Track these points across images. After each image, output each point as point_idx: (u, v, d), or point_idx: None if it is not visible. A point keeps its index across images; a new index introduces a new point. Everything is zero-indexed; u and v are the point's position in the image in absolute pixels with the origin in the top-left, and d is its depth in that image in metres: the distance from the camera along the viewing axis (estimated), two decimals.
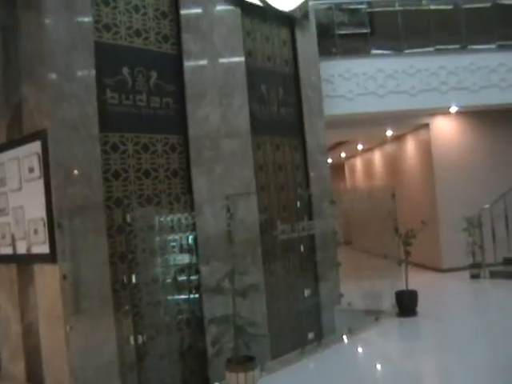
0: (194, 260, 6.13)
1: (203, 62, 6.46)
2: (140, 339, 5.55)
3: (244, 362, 5.47)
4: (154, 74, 6.00)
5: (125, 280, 5.48)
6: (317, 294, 7.72)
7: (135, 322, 5.55)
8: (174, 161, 6.13)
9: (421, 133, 13.78)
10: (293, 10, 7.73)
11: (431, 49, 11.85)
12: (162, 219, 5.92)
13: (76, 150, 5.19)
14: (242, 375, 5.35)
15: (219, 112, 6.53)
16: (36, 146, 5.26)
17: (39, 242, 5.31)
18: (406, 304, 8.93)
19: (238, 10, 6.90)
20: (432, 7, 12.12)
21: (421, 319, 8.73)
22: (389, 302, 9.11)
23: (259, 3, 7.25)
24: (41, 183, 5.22)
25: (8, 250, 5.91)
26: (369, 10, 12.01)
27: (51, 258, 5.13)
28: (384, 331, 8.41)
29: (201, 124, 6.31)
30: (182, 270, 6.08)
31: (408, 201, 13.89)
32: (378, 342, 8.13)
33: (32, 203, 5.40)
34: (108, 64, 5.62)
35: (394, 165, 16.24)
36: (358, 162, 20.71)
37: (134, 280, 5.53)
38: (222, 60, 6.65)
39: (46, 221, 5.19)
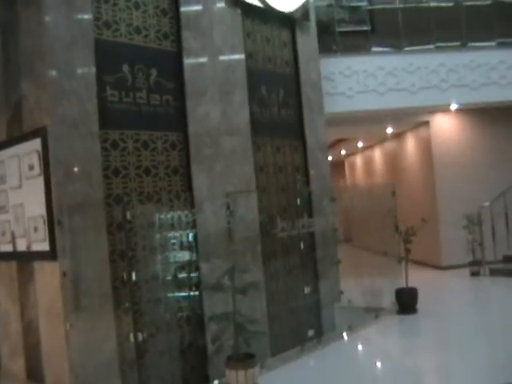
0: (194, 257, 6.13)
1: (203, 60, 6.45)
2: (140, 337, 5.55)
3: (244, 359, 5.47)
4: (154, 72, 5.99)
5: (125, 277, 5.48)
6: (317, 291, 7.73)
7: (135, 319, 5.56)
8: (174, 158, 6.13)
9: (421, 130, 13.77)
10: (293, 11, 7.72)
11: (431, 46, 11.84)
12: (162, 216, 5.92)
13: (76, 147, 5.19)
14: (241, 372, 5.35)
15: (219, 109, 6.52)
16: (36, 144, 5.26)
17: (39, 240, 5.32)
18: (406, 301, 8.94)
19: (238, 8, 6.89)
20: (432, 4, 12.11)
21: (421, 316, 8.74)
22: (389, 300, 9.12)
23: (259, 4, 7.24)
24: (41, 181, 5.22)
25: (8, 248, 5.91)
26: (369, 7, 12.00)
27: (51, 255, 5.13)
28: (384, 328, 8.42)
29: (201, 121, 6.31)
30: (182, 267, 6.07)
31: (408, 198, 13.89)
32: (378, 339, 8.13)
33: (32, 201, 5.40)
34: (108, 61, 5.61)
35: (394, 162, 16.23)
36: (358, 160, 20.71)
37: (134, 277, 5.53)
38: (222, 57, 6.65)
39: (45, 218, 5.19)
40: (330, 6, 11.63)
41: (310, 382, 6.15)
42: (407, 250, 8.96)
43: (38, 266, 5.48)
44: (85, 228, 5.16)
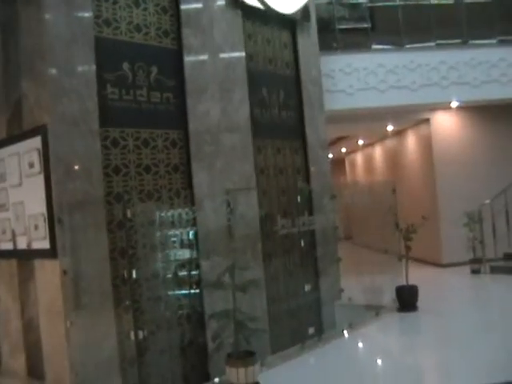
0: (195, 255, 6.13)
1: (203, 57, 6.45)
2: (140, 334, 5.56)
3: (244, 356, 5.48)
4: (154, 69, 5.99)
5: (125, 275, 5.49)
6: (317, 289, 7.73)
7: (135, 317, 5.56)
8: (175, 156, 6.13)
9: (421, 128, 13.76)
10: (294, 13, 7.70)
11: (432, 44, 11.81)
12: (162, 214, 5.92)
13: (76, 145, 5.19)
14: (242, 370, 5.36)
15: (219, 107, 6.52)
16: (36, 142, 5.26)
17: (39, 238, 5.32)
18: (407, 299, 8.94)
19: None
20: (433, 2, 12.09)
21: (421, 314, 8.74)
22: (389, 297, 9.12)
23: (260, 6, 7.23)
24: (41, 179, 5.22)
25: (8, 246, 5.92)
26: (369, 4, 11.97)
27: (51, 253, 5.13)
28: (384, 326, 8.42)
29: (201, 119, 6.31)
30: (182, 265, 6.08)
31: (408, 196, 13.89)
32: (379, 336, 8.13)
33: (32, 199, 5.40)
34: (108, 59, 5.61)
35: (394, 160, 16.22)
36: (359, 157, 20.69)
37: (134, 275, 5.53)
38: (222, 55, 6.64)
39: (46, 216, 5.19)
40: (330, 3, 11.61)
41: (311, 380, 6.15)
42: (408, 248, 8.96)
43: (38, 264, 5.49)
44: (85, 226, 5.16)
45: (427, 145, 13.47)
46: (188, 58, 6.27)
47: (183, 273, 6.07)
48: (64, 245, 5.05)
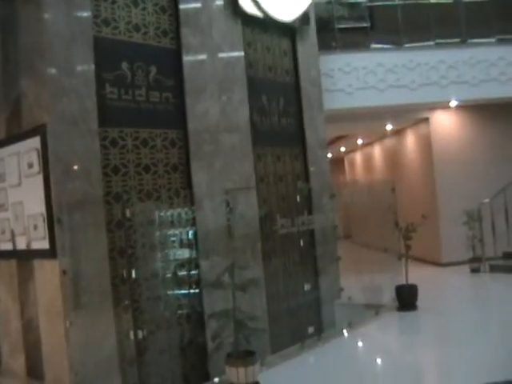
0: (194, 255, 6.13)
1: (202, 57, 6.45)
2: (140, 334, 5.56)
3: (244, 356, 5.47)
4: (153, 69, 5.99)
5: (124, 275, 5.49)
6: (317, 288, 7.73)
7: (135, 316, 5.56)
8: (174, 155, 6.13)
9: (421, 127, 13.77)
10: (293, 21, 7.69)
11: (431, 43, 11.81)
12: (161, 214, 5.92)
13: (75, 144, 5.19)
14: (242, 370, 5.35)
15: (219, 106, 6.52)
16: (35, 142, 5.26)
17: (39, 238, 5.31)
18: (406, 298, 8.94)
19: (238, 5, 6.87)
20: (432, 1, 12.09)
21: (421, 313, 8.74)
22: (389, 296, 9.12)
23: (260, 14, 7.22)
24: (40, 179, 5.22)
25: (8, 246, 5.91)
26: (369, 3, 11.97)
27: (51, 253, 5.13)
28: (384, 325, 8.42)
29: (200, 118, 6.30)
30: (181, 264, 6.08)
31: (408, 195, 13.89)
32: (378, 336, 8.13)
33: (31, 199, 5.40)
34: (107, 59, 5.61)
35: (393, 159, 16.23)
36: (358, 157, 20.70)
37: (133, 275, 5.53)
38: (221, 54, 6.64)
39: (45, 216, 5.19)
40: (329, 2, 11.61)
41: (311, 379, 6.15)
42: (407, 247, 8.96)
43: (37, 264, 5.48)
44: (84, 226, 5.16)
45: (426, 144, 13.47)
46: (187, 58, 6.27)
47: (183, 272, 6.07)
48: (63, 245, 5.05)
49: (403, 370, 6.32)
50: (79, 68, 5.30)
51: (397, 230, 9.09)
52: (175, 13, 6.26)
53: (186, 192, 6.15)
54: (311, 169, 7.85)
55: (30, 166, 5.39)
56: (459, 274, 11.83)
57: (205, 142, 6.31)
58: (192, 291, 6.13)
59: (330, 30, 11.46)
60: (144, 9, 6.00)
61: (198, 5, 6.49)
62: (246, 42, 7.11)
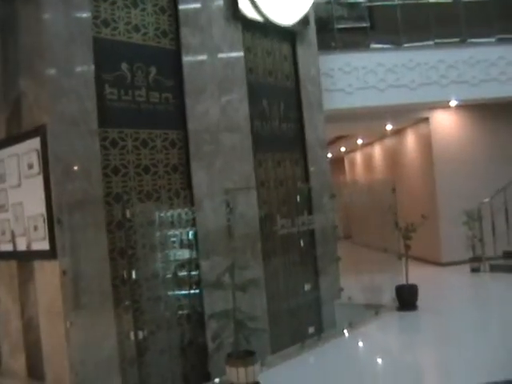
0: (194, 255, 6.13)
1: (202, 57, 6.45)
2: (140, 334, 5.56)
3: (244, 356, 5.47)
4: (153, 70, 5.99)
5: (125, 275, 5.49)
6: (317, 288, 7.74)
7: (135, 317, 5.56)
8: (174, 156, 6.13)
9: (421, 127, 13.77)
10: (293, 25, 7.69)
11: (431, 42, 11.81)
12: (161, 214, 5.92)
13: (75, 145, 5.19)
14: (242, 370, 5.35)
15: (219, 106, 6.52)
16: (35, 143, 5.26)
17: (39, 239, 5.32)
18: (406, 298, 8.94)
19: (237, 4, 6.87)
20: (431, 1, 12.09)
21: (421, 313, 8.74)
22: (389, 296, 9.12)
23: (260, 19, 7.21)
24: (40, 179, 5.22)
25: (8, 247, 5.91)
26: (368, 3, 11.97)
27: (51, 254, 5.13)
28: (384, 325, 8.42)
29: (200, 119, 6.31)
30: (182, 265, 6.08)
31: (408, 195, 13.89)
32: (378, 336, 8.14)
33: (31, 199, 5.40)
34: (107, 59, 5.61)
35: (393, 159, 16.22)
36: (358, 156, 20.69)
37: (134, 275, 5.53)
38: (220, 55, 6.64)
39: (45, 217, 5.19)
40: (329, 2, 11.61)
41: (311, 379, 6.15)
42: (407, 247, 8.96)
43: (37, 264, 5.48)
44: (84, 226, 5.17)
45: (426, 143, 13.47)
46: (186, 58, 6.27)
47: (183, 273, 6.08)
48: (63, 245, 5.05)
49: (403, 370, 6.33)
50: (79, 69, 5.30)
51: (397, 230, 9.10)
52: (175, 13, 6.26)
53: (185, 192, 6.16)
54: (311, 169, 7.85)
55: (30, 166, 5.39)
56: (459, 274, 11.83)
57: (205, 143, 6.31)
58: (192, 291, 6.13)
59: (330, 30, 11.47)
60: (143, 9, 6.00)
61: (198, 5, 6.49)
62: (246, 47, 7.11)
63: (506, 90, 11.65)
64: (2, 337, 6.31)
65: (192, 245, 6.14)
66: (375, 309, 8.79)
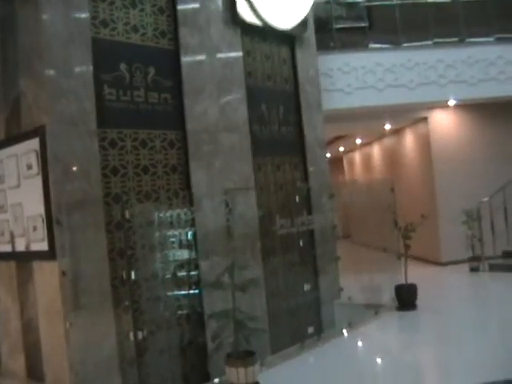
0: (194, 255, 6.13)
1: (201, 57, 6.45)
2: (140, 335, 5.56)
3: (244, 356, 5.47)
4: (151, 70, 5.99)
5: (124, 276, 5.48)
6: (316, 288, 7.73)
7: (135, 317, 5.56)
8: (173, 156, 6.13)
9: (419, 126, 13.77)
10: (292, 28, 7.67)
11: (429, 42, 11.82)
12: (160, 215, 5.92)
13: (74, 145, 5.19)
14: (242, 370, 5.35)
15: (217, 106, 6.52)
16: (34, 143, 5.26)
17: (38, 239, 5.31)
18: (406, 298, 8.94)
19: (235, 4, 6.87)
20: (430, 0, 12.10)
21: (420, 313, 8.74)
22: (388, 296, 9.13)
23: (258, 23, 7.20)
24: (39, 180, 5.21)
25: (7, 248, 5.90)
26: (367, 3, 11.98)
27: (50, 255, 5.13)
28: (384, 325, 8.43)
29: (199, 119, 6.30)
30: (181, 265, 6.08)
31: (407, 194, 13.90)
32: (378, 335, 8.14)
33: (30, 200, 5.40)
34: (105, 60, 5.60)
35: (392, 158, 16.23)
36: (357, 156, 20.71)
37: (133, 276, 5.53)
38: (219, 55, 6.64)
39: (44, 217, 5.19)
40: (327, 2, 11.61)
41: (310, 379, 6.15)
42: (406, 246, 8.96)
43: (37, 265, 5.48)
44: (84, 226, 5.16)
45: (425, 143, 13.48)
46: (185, 59, 6.27)
47: (182, 273, 6.07)
48: (63, 246, 5.05)
49: (403, 370, 6.32)
50: (77, 69, 5.30)
51: (396, 230, 9.10)
52: (173, 13, 6.26)
53: (184, 193, 6.15)
54: (310, 169, 7.85)
55: (29, 167, 5.39)
56: (459, 273, 11.83)
57: (204, 143, 6.31)
58: (192, 292, 6.13)
59: (329, 30, 11.47)
60: (142, 10, 6.00)
61: (196, 5, 6.49)
62: (246, 51, 7.11)
63: (505, 90, 11.66)
64: (1, 337, 6.30)
65: (191, 245, 6.14)
66: (375, 308, 8.79)
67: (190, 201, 6.16)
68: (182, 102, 6.20)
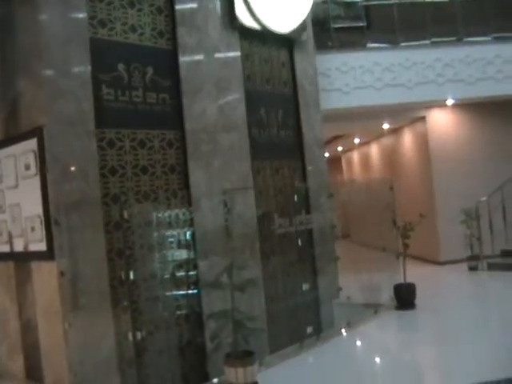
0: (192, 255, 6.12)
1: (199, 57, 6.44)
2: (139, 335, 5.55)
3: (243, 356, 5.47)
4: (149, 70, 5.98)
5: (123, 276, 5.48)
6: (315, 287, 7.73)
7: (134, 317, 5.55)
8: (171, 156, 6.12)
9: (417, 125, 13.78)
10: (291, 32, 7.65)
11: (427, 41, 11.83)
12: (159, 215, 5.92)
13: (72, 145, 5.18)
14: (240, 370, 5.35)
15: (216, 106, 6.52)
16: (32, 144, 5.25)
17: (36, 240, 5.30)
18: (405, 297, 8.94)
19: (233, 4, 6.86)
20: (427, 0, 12.10)
21: (419, 312, 8.75)
22: (387, 295, 9.13)
23: (257, 27, 7.19)
24: (37, 180, 5.20)
25: (5, 248, 5.89)
26: (365, 3, 11.98)
27: (48, 255, 5.12)
28: (383, 324, 8.43)
29: (197, 118, 6.30)
30: (180, 265, 6.07)
31: (406, 193, 13.90)
32: (377, 335, 8.14)
33: (29, 200, 5.39)
34: (104, 60, 5.59)
35: (391, 158, 16.24)
36: (355, 156, 20.71)
37: (131, 276, 5.52)
38: (217, 55, 6.64)
39: (42, 218, 5.18)
40: (325, 2, 11.61)
41: (309, 379, 6.15)
42: (405, 246, 8.96)
43: (35, 266, 5.47)
44: (82, 227, 5.16)
45: (423, 142, 13.49)
46: (183, 58, 6.26)
47: (181, 273, 6.07)
48: (61, 246, 5.04)
49: (402, 369, 6.33)
50: (76, 69, 5.30)
51: (395, 229, 9.10)
52: (171, 13, 6.25)
53: (183, 192, 6.15)
54: (309, 168, 7.85)
55: (27, 167, 5.38)
56: (457, 273, 11.84)
57: (202, 142, 6.31)
58: (190, 292, 6.13)
59: (327, 30, 11.47)
60: (140, 10, 5.99)
61: (194, 5, 6.48)
62: (244, 54, 7.10)
63: (503, 89, 11.67)
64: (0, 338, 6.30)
65: (190, 245, 6.14)
66: (374, 308, 8.80)
67: (188, 201, 6.15)
68: (180, 102, 6.20)
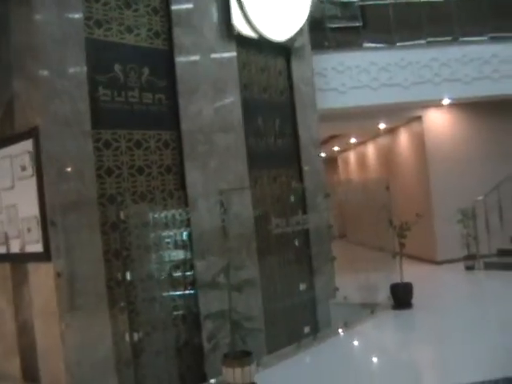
0: (189, 255, 6.12)
1: (195, 57, 6.44)
2: (136, 335, 5.54)
3: (240, 356, 5.47)
4: (145, 70, 5.98)
5: (119, 276, 5.47)
6: (312, 287, 7.73)
7: (131, 318, 5.55)
8: (168, 157, 6.12)
9: (414, 125, 13.79)
10: (288, 40, 7.64)
11: (423, 41, 11.83)
12: (155, 215, 5.91)
13: (68, 146, 5.17)
14: (238, 370, 5.35)
15: (212, 107, 6.52)
16: (28, 145, 5.24)
17: (33, 241, 5.29)
18: (402, 296, 8.95)
19: (230, 4, 6.85)
20: None
21: (416, 311, 8.76)
22: (384, 295, 9.13)
23: (254, 35, 7.17)
24: (33, 181, 5.19)
25: (1, 249, 5.88)
26: (360, 3, 11.98)
27: (45, 256, 5.11)
28: (380, 324, 8.43)
29: (193, 119, 6.30)
30: (176, 265, 6.07)
31: (402, 193, 13.89)
32: (374, 334, 8.14)
33: (25, 201, 5.38)
34: (99, 60, 5.59)
35: (387, 157, 16.24)
36: (352, 156, 20.72)
37: (128, 276, 5.51)
38: (213, 55, 6.63)
39: (39, 219, 5.17)
40: (321, 1, 11.61)
41: (307, 379, 6.15)
42: (402, 245, 8.97)
43: (32, 267, 5.46)
44: (79, 227, 5.15)
45: (420, 142, 13.50)
46: (179, 59, 6.26)
47: (178, 273, 6.06)
48: (58, 247, 5.04)
49: (399, 369, 6.33)
50: (71, 70, 5.29)
51: (391, 228, 9.11)
52: (167, 14, 6.25)
53: (179, 193, 6.15)
54: (305, 168, 7.84)
55: (23, 168, 5.37)
56: (454, 272, 11.85)
57: (199, 143, 6.31)
58: (187, 292, 6.12)
59: (323, 30, 11.46)
60: (136, 10, 5.99)
61: (190, 5, 6.48)
62: (241, 63, 7.09)
63: (499, 88, 11.68)
64: None
65: (187, 245, 6.13)
66: (370, 308, 8.80)
67: (185, 201, 6.15)
68: (176, 103, 6.19)
